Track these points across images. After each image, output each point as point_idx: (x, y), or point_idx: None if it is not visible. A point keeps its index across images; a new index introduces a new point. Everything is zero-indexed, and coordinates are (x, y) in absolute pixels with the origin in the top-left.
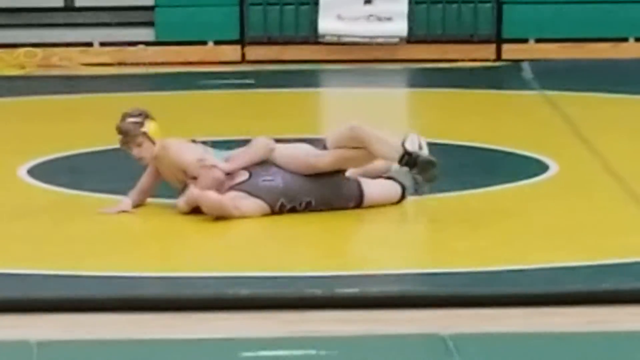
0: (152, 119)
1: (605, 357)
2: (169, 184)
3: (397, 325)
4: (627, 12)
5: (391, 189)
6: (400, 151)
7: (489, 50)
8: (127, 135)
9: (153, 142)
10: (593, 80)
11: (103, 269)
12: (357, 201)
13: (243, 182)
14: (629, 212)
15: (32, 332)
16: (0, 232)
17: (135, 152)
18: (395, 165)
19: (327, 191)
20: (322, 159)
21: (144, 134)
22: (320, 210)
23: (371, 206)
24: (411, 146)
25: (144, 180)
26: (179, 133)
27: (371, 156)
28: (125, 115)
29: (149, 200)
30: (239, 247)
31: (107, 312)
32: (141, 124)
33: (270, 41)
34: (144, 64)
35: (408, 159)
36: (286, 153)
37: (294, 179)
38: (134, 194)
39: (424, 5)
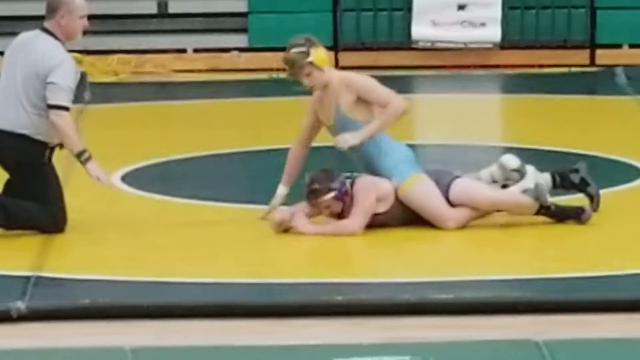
0: (319, 46)
1: None
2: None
3: (491, 331)
4: None
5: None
6: (536, 207)
7: (582, 56)
8: (293, 66)
9: (321, 70)
10: None
11: (195, 276)
12: None
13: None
14: None
15: (126, 338)
16: (94, 239)
17: (306, 82)
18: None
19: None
20: (459, 215)
21: (311, 63)
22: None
23: None
24: (542, 196)
25: (303, 124)
26: (275, 140)
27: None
28: (290, 46)
29: (242, 206)
30: (332, 254)
31: (200, 318)
32: (307, 54)
33: (363, 47)
34: (237, 70)
35: (546, 213)
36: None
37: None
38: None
39: (518, 11)
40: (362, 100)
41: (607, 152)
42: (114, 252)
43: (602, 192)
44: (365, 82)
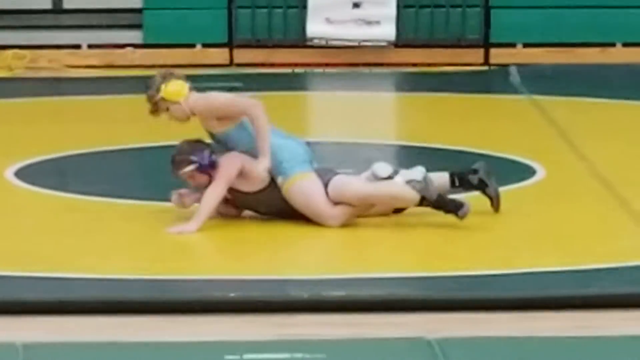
0: (173, 79)
1: None
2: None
3: (384, 329)
4: (615, 17)
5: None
6: (418, 197)
7: (477, 55)
8: (150, 104)
9: (177, 103)
10: (581, 85)
11: (88, 272)
12: None
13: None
14: (616, 216)
15: (18, 334)
16: None
17: (167, 117)
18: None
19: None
20: (340, 212)
21: (163, 99)
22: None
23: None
24: (428, 190)
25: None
26: (168, 136)
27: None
28: (146, 85)
29: (135, 202)
30: (224, 251)
31: (93, 314)
32: (157, 90)
33: (258, 44)
34: (132, 66)
35: (429, 204)
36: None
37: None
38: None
39: (412, 10)
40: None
41: (502, 151)
42: (6, 247)
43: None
44: (216, 102)
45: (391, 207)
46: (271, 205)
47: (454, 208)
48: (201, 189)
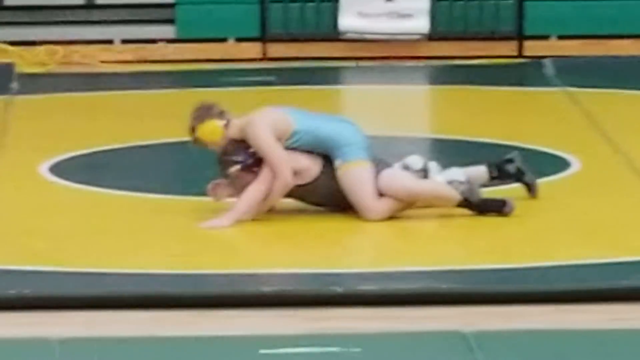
0: (207, 118)
1: (628, 355)
2: None
3: (419, 323)
4: None
5: None
6: (458, 199)
7: (510, 47)
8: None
9: (214, 142)
10: (615, 77)
11: (123, 267)
12: None
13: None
14: None
15: (54, 329)
16: (21, 228)
17: (212, 148)
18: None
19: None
20: (382, 206)
21: (199, 139)
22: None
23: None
24: (472, 193)
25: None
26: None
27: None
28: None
29: (169, 196)
30: (259, 245)
31: (128, 309)
32: (192, 130)
33: (291, 38)
34: (165, 61)
35: (469, 206)
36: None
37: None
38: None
39: (446, 2)
40: None
41: (536, 144)
42: (41, 242)
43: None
44: (257, 142)
45: (430, 206)
46: (320, 195)
47: (498, 207)
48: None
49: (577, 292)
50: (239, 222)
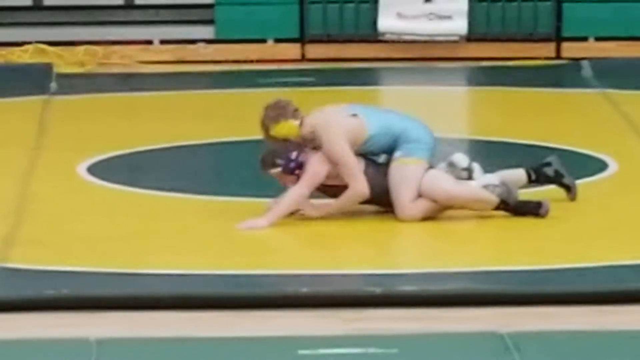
0: (282, 119)
1: None
2: None
3: (456, 323)
4: None
5: None
6: (496, 202)
7: (548, 49)
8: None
9: (291, 138)
10: None
11: (162, 267)
12: None
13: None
14: None
15: (91, 329)
16: (60, 229)
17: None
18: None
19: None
20: (416, 209)
21: (274, 136)
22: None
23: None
24: (510, 195)
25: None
26: (238, 132)
27: None
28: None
29: (208, 197)
30: (298, 245)
31: (166, 310)
32: (267, 130)
33: (330, 39)
34: (203, 61)
35: (505, 209)
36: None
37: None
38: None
39: (484, 4)
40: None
41: (573, 145)
42: (80, 243)
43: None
44: (331, 150)
45: (468, 210)
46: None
47: (534, 209)
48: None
49: (615, 293)
50: (277, 223)
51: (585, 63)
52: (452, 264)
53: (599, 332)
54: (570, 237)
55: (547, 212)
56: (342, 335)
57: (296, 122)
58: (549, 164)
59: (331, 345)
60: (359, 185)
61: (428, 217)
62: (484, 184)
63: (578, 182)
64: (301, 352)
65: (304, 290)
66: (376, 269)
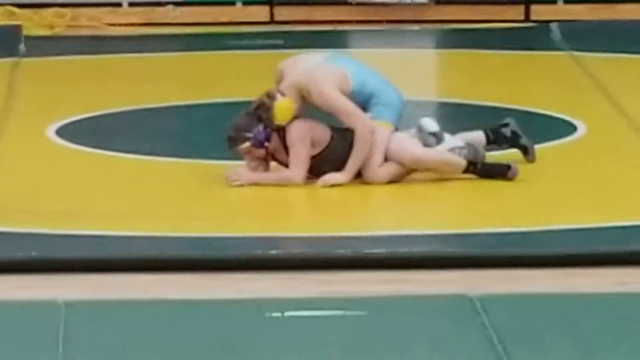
0: (276, 102)
1: (632, 318)
2: None
3: (426, 286)
4: None
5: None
6: (464, 165)
7: (517, 11)
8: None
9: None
10: (622, 41)
11: (130, 229)
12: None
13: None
14: None
15: (61, 292)
16: (29, 192)
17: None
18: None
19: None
20: (384, 172)
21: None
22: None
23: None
24: (476, 156)
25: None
26: (207, 94)
27: None
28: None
29: (177, 160)
30: (267, 208)
31: (135, 272)
32: (271, 118)
33: (299, 1)
34: (172, 24)
35: (474, 172)
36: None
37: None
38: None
39: None
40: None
41: (542, 108)
42: (49, 205)
43: (537, 147)
44: (331, 103)
45: (437, 174)
46: (331, 162)
47: (502, 172)
48: (260, 161)
49: (583, 256)
50: (248, 186)
51: (554, 26)
52: (421, 227)
53: (566, 295)
54: (538, 200)
55: (515, 175)
56: (311, 297)
57: (284, 98)
58: (506, 125)
59: (301, 307)
60: (367, 124)
61: (395, 181)
62: (449, 147)
63: (547, 144)
64: (270, 314)
65: (274, 252)
66: (345, 232)
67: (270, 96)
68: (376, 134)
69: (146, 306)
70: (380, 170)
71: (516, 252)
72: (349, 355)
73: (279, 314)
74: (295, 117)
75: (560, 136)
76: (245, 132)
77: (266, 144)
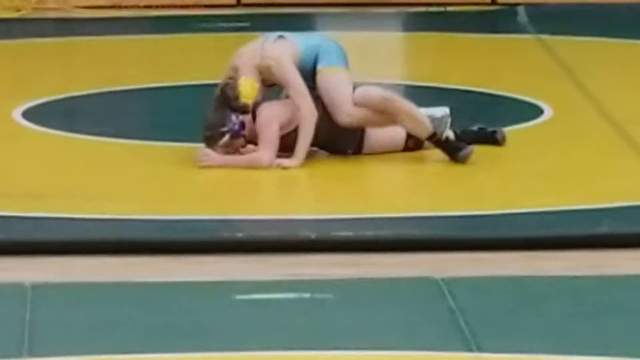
0: (239, 83)
1: (599, 301)
2: None
3: (391, 269)
4: None
5: (395, 137)
6: (430, 130)
7: None
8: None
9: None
10: (588, 24)
11: (97, 212)
12: (356, 148)
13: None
14: (623, 156)
15: (26, 275)
16: None
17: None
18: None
19: (330, 133)
20: (357, 112)
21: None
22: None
23: (371, 153)
24: (441, 127)
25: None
26: (175, 76)
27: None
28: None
29: (144, 142)
30: (233, 191)
31: (101, 255)
32: (236, 98)
33: None
34: (139, 6)
35: (437, 141)
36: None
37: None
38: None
39: None
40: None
41: (509, 91)
42: (15, 188)
43: (504, 130)
44: (283, 74)
45: (403, 129)
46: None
47: (454, 151)
48: (236, 149)
49: (549, 239)
50: (213, 169)
51: (520, 8)
52: (387, 210)
53: (532, 277)
54: (503, 184)
55: (466, 157)
56: (277, 280)
57: (245, 78)
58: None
59: (267, 290)
60: (310, 106)
61: (361, 163)
62: (427, 114)
63: (513, 127)
64: (236, 297)
65: (240, 235)
66: (311, 214)
67: (234, 73)
68: (334, 76)
69: (113, 289)
70: (352, 109)
71: (482, 234)
72: (316, 338)
73: (246, 297)
74: (263, 100)
75: (526, 119)
76: (221, 127)
77: (243, 132)
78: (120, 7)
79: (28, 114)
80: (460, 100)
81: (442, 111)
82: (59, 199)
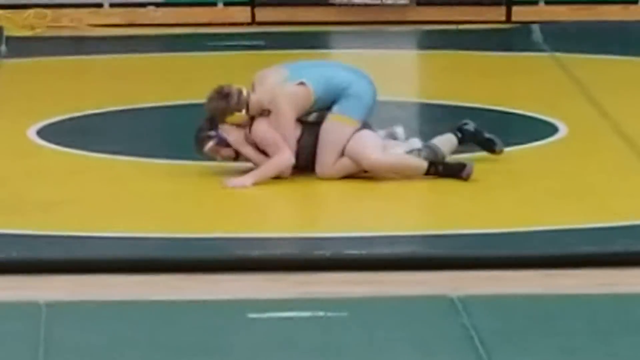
0: (227, 114)
1: (614, 319)
2: None
3: (406, 287)
4: None
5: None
6: (425, 166)
7: (498, 12)
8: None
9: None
10: (603, 42)
11: (111, 230)
12: None
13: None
14: (638, 174)
15: (41, 293)
16: (10, 193)
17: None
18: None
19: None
20: (329, 174)
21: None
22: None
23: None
24: (430, 153)
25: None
26: (188, 95)
27: None
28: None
29: (158, 161)
30: (248, 209)
31: (116, 273)
32: (219, 119)
33: (280, 2)
34: (153, 24)
35: (435, 172)
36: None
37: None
38: None
39: None
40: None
41: (524, 109)
42: (30, 206)
43: (518, 148)
44: (281, 121)
45: (400, 177)
46: (302, 157)
47: (457, 171)
48: (229, 160)
49: (564, 257)
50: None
51: (535, 27)
52: (401, 228)
53: (547, 296)
54: (518, 201)
55: (469, 175)
56: (292, 298)
57: (242, 112)
58: (466, 123)
59: (281, 308)
60: (287, 159)
61: (376, 179)
62: (408, 149)
63: (528, 145)
64: (251, 315)
65: (254, 253)
66: (326, 232)
67: (240, 93)
68: (337, 129)
69: (127, 307)
70: (332, 168)
71: (497, 253)
72: (329, 356)
73: (260, 315)
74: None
75: (541, 137)
76: (207, 131)
77: (230, 139)
78: (134, 25)
79: (43, 132)
80: (475, 119)
81: (417, 142)
82: (73, 217)
